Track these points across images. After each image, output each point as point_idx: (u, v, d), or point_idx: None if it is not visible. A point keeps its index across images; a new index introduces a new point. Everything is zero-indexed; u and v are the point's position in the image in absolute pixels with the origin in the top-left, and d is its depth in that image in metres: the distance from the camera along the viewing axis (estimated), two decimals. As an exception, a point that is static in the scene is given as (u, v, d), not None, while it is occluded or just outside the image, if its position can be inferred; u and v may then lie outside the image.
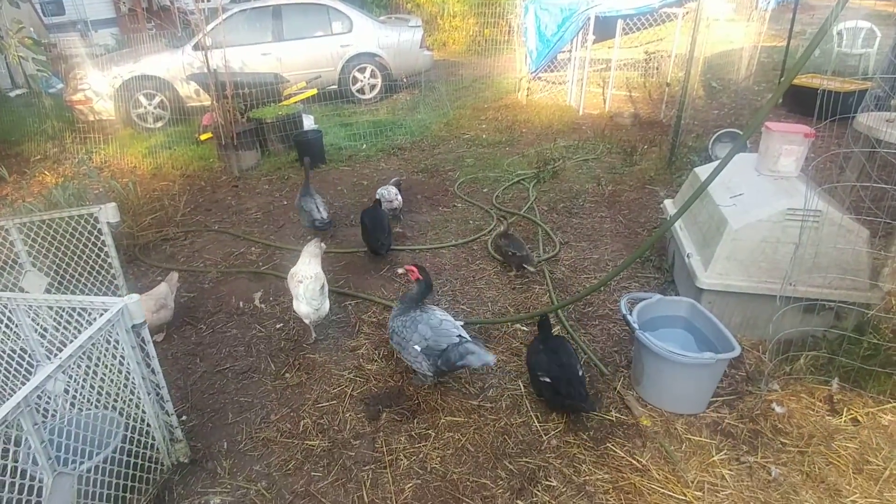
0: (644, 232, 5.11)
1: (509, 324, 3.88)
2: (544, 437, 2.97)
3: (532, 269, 4.47)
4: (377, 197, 5.34)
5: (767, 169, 3.74)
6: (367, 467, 2.85)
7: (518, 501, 2.63)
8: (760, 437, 2.92)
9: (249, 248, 5.24)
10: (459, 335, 3.11)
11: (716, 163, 3.28)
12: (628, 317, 3.13)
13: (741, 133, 6.19)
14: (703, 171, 4.12)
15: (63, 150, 8.27)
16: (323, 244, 4.06)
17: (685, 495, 2.61)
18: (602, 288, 4.17)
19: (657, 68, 10.19)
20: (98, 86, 9.08)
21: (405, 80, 11.16)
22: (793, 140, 3.62)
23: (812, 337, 3.36)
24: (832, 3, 2.55)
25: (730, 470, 2.73)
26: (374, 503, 2.67)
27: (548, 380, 3.05)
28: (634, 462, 2.80)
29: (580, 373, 3.01)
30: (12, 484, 1.95)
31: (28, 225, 3.65)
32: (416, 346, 3.14)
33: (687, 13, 8.25)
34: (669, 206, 4.50)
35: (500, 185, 6.34)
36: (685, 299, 3.42)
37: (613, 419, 3.06)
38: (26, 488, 2.02)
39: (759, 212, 3.40)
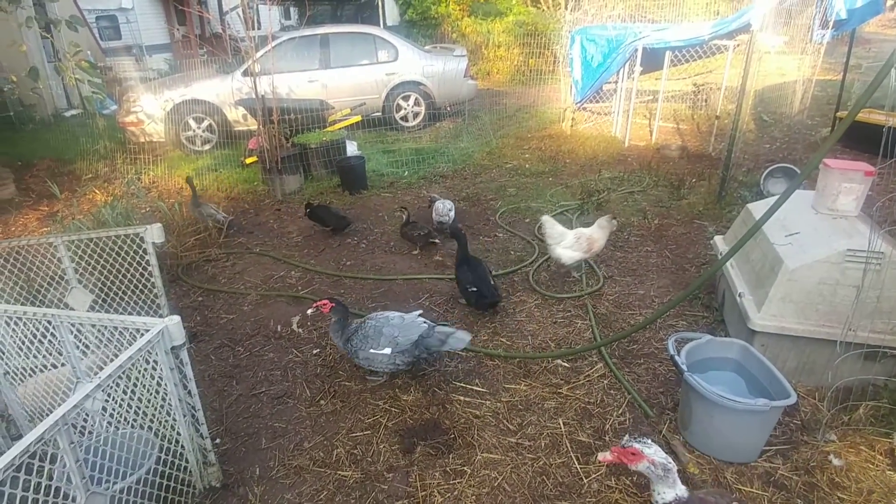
0: (692, 268, 4.95)
1: (549, 359, 3.77)
2: (584, 480, 2.84)
3: (437, 241, 5.38)
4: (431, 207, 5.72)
5: (825, 207, 3.59)
6: (399, 502, 2.77)
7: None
8: (816, 491, 2.73)
9: (289, 272, 5.28)
10: (426, 322, 3.50)
11: (770, 199, 3.16)
12: (676, 357, 3.00)
13: (794, 168, 6.00)
14: (756, 208, 3.98)
15: (113, 170, 8.58)
16: (614, 220, 4.67)
17: (736, 551, 2.45)
18: (648, 326, 4.03)
19: (706, 100, 10.03)
20: (150, 108, 9.44)
21: (449, 108, 11.28)
22: (853, 178, 3.47)
23: (873, 386, 3.16)
24: (888, 36, 2.44)
25: (784, 525, 2.57)
26: (406, 541, 2.59)
27: (475, 288, 4.23)
28: (680, 511, 2.65)
29: (492, 282, 4.24)
30: (45, 502, 1.94)
31: (76, 242, 3.75)
32: (386, 350, 3.40)
33: (738, 45, 8.11)
34: (720, 242, 4.35)
35: (543, 215, 6.24)
36: (737, 341, 3.27)
37: (658, 465, 2.92)
38: (62, 508, 2.01)
39: (817, 252, 3.25)
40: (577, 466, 2.92)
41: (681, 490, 2.09)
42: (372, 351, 3.40)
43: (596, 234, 4.62)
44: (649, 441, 2.12)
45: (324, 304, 3.52)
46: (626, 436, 2.15)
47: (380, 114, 10.53)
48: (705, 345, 3.21)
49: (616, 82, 9.46)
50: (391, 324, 3.47)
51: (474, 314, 4.36)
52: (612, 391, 3.46)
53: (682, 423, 3.10)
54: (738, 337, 3.45)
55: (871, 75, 2.56)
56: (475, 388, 3.53)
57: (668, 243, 5.45)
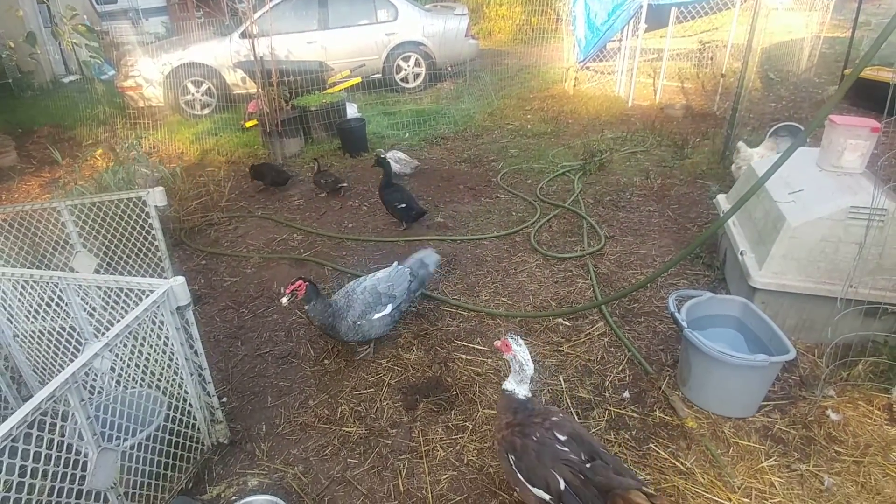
0: (694, 228, 4.94)
1: (550, 318, 3.80)
2: (584, 435, 2.90)
3: (344, 185, 6.05)
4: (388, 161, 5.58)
5: (830, 164, 3.55)
6: (403, 456, 2.84)
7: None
8: (813, 445, 2.78)
9: (291, 235, 5.29)
10: (402, 265, 3.66)
11: (774, 157, 3.13)
12: (676, 315, 3.03)
13: (800, 127, 5.92)
14: (760, 166, 3.95)
15: (114, 136, 8.51)
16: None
17: (731, 501, 2.51)
18: (649, 284, 4.05)
19: (711, 58, 9.85)
20: (148, 73, 9.31)
21: (450, 69, 11.10)
22: (858, 134, 3.42)
23: (873, 342, 3.19)
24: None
25: (779, 477, 2.62)
26: (409, 492, 2.65)
27: (403, 205, 5.08)
28: (678, 464, 2.70)
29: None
30: (59, 457, 2.00)
31: (79, 207, 3.75)
32: (388, 309, 3.41)
33: (745, 1, 7.93)
34: (723, 201, 4.33)
35: (545, 176, 6.23)
36: (737, 298, 3.28)
37: (657, 419, 2.97)
38: (72, 462, 2.07)
39: (820, 209, 3.23)
40: (578, 422, 2.97)
41: (520, 389, 2.41)
42: (377, 316, 3.37)
43: (761, 151, 5.18)
44: (521, 341, 2.43)
45: (298, 287, 3.21)
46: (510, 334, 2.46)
47: (380, 75, 10.37)
48: (706, 302, 3.23)
49: (620, 41, 9.30)
50: (381, 282, 3.47)
51: (475, 274, 4.39)
52: (612, 349, 3.50)
53: (681, 380, 3.14)
54: (739, 295, 3.46)
55: (880, 31, 2.50)
56: (476, 346, 3.58)
57: (670, 203, 5.44)
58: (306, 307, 3.28)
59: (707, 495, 2.54)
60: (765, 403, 3.00)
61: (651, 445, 2.81)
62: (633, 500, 2.02)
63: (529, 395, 2.41)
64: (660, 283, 4.11)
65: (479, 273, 4.41)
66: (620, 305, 3.90)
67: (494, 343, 2.50)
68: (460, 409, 3.11)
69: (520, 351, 2.39)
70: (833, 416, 2.92)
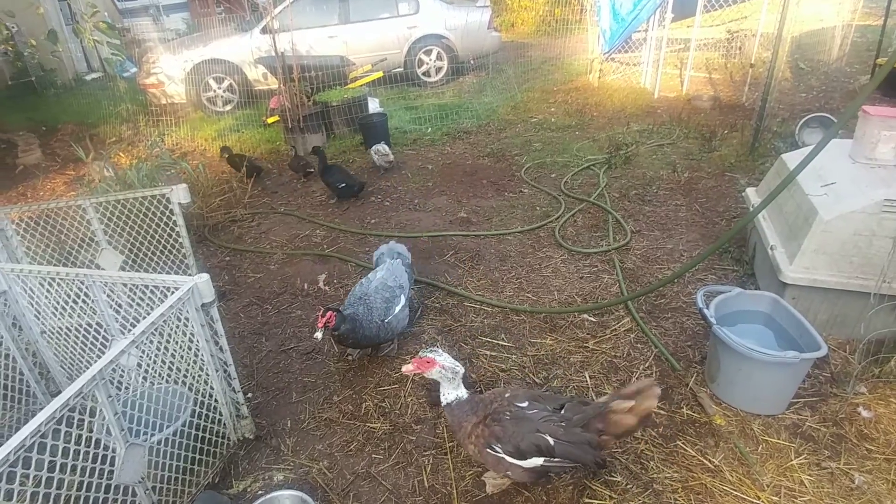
0: (722, 222, 4.84)
1: (576, 314, 3.76)
2: (610, 433, 2.86)
3: (312, 170, 6.32)
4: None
5: (863, 156, 3.45)
6: (427, 452, 2.83)
7: (582, 497, 2.54)
8: (844, 443, 2.72)
9: (314, 231, 5.32)
10: (389, 258, 3.73)
11: (805, 149, 3.04)
12: (705, 311, 2.97)
13: (831, 118, 5.77)
14: (791, 159, 3.84)
15: (137, 133, 8.65)
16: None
17: (760, 499, 2.46)
18: (676, 279, 3.98)
19: (740, 48, 9.63)
20: (170, 69, 9.42)
21: (472, 62, 11.05)
22: (893, 125, 3.31)
23: (907, 338, 3.09)
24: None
25: (809, 475, 2.56)
26: (434, 488, 2.65)
27: (343, 184, 5.68)
28: (706, 462, 2.66)
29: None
30: (87, 452, 2.03)
31: (104, 204, 3.80)
32: (403, 301, 3.43)
33: (775, -11, 7.71)
34: (752, 195, 4.23)
35: (569, 170, 6.16)
36: (767, 294, 3.20)
37: (685, 416, 2.92)
38: (100, 457, 2.10)
39: (853, 202, 3.13)
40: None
41: (462, 392, 2.36)
42: (398, 309, 3.38)
43: None
44: (438, 349, 2.35)
45: (329, 318, 3.13)
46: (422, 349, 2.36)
47: (401, 69, 10.37)
48: (735, 298, 3.16)
49: (646, 31, 9.14)
50: (388, 277, 3.49)
51: (499, 270, 4.36)
52: (638, 345, 3.45)
53: (710, 376, 3.09)
54: (769, 290, 3.38)
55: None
56: (501, 342, 3.55)
57: (697, 197, 5.33)
58: (336, 334, 3.19)
59: (735, 493, 2.50)
60: (795, 400, 2.93)
61: (678, 443, 2.77)
62: (619, 409, 2.23)
63: (465, 391, 2.38)
64: (687, 278, 4.04)
65: (503, 269, 4.38)
66: (647, 301, 3.84)
67: (405, 369, 2.36)
68: (484, 405, 3.09)
69: (443, 359, 2.31)
70: (864, 414, 2.85)
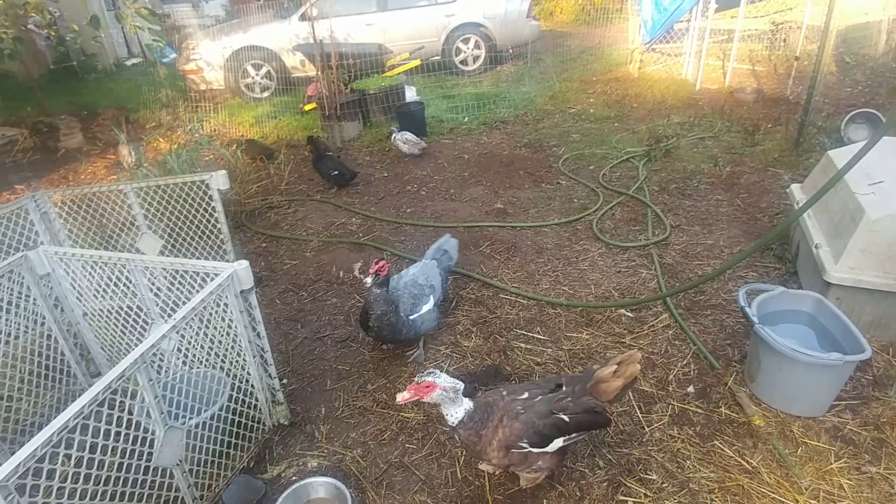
0: (765, 218, 4.69)
1: (613, 309, 3.70)
2: (646, 429, 2.82)
3: (275, 160, 6.61)
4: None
5: (915, 153, 3.30)
6: (459, 446, 2.82)
7: (616, 494, 2.51)
8: (885, 447, 2.63)
9: (350, 219, 5.34)
10: (427, 259, 3.63)
11: (852, 146, 2.92)
12: (747, 309, 2.89)
13: (878, 114, 5.56)
14: (838, 156, 3.70)
15: (176, 118, 8.79)
16: None
17: (798, 502, 2.40)
18: (717, 276, 3.88)
19: (784, 40, 9.31)
20: (209, 56, 9.53)
21: (510, 50, 10.92)
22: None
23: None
24: None
25: (849, 479, 2.49)
26: (467, 480, 2.64)
27: (336, 172, 5.85)
28: (744, 463, 2.60)
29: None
30: (127, 435, 2.07)
31: (145, 189, 3.87)
32: (431, 302, 3.35)
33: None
34: (796, 191, 4.09)
35: (608, 162, 6.06)
36: (811, 293, 3.10)
37: (722, 416, 2.86)
38: (140, 439, 2.14)
39: (904, 201, 3.01)
40: (640, 415, 2.89)
41: (467, 404, 2.25)
42: (425, 309, 3.30)
43: None
44: (435, 371, 2.21)
45: (382, 266, 3.14)
46: (419, 374, 2.21)
47: (439, 57, 10.31)
48: (777, 297, 3.07)
49: (689, 21, 8.91)
50: (419, 275, 3.41)
51: (535, 262, 4.32)
52: (676, 342, 3.38)
53: (749, 376, 3.01)
54: (812, 289, 3.27)
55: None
56: (536, 335, 3.52)
57: (739, 192, 5.18)
58: (377, 292, 3.14)
59: (773, 496, 2.44)
60: (836, 403, 2.85)
61: (716, 442, 2.71)
62: (605, 377, 2.32)
63: (468, 401, 2.28)
64: (728, 275, 3.93)
65: (540, 261, 4.33)
66: (686, 297, 3.76)
67: (401, 398, 2.20)
68: (517, 398, 3.07)
69: (442, 380, 2.18)
70: (908, 419, 2.74)
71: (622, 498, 2.49)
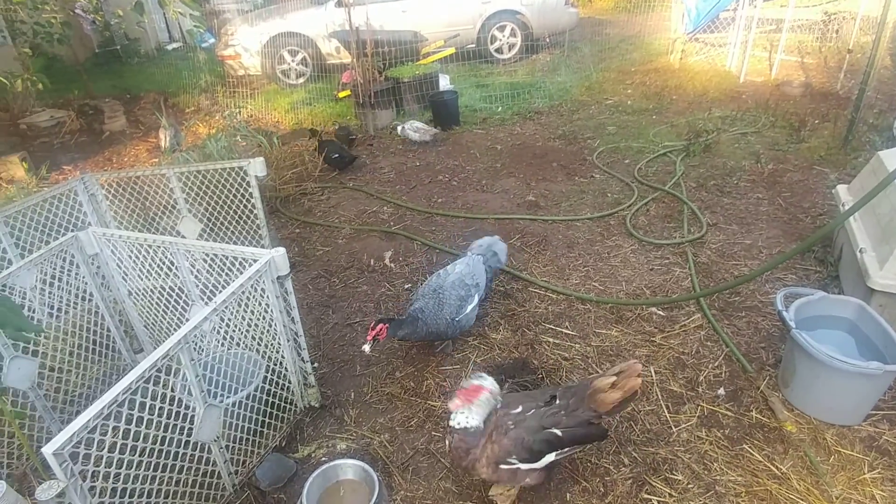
0: (807, 219, 4.58)
1: (644, 307, 3.68)
2: (674, 429, 2.81)
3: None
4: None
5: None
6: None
7: (640, 492, 2.52)
8: (921, 460, 2.57)
9: (382, 207, 5.39)
10: (474, 255, 3.53)
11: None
12: (784, 313, 2.84)
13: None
14: (889, 157, 3.58)
15: (214, 103, 8.95)
16: None
17: (827, 511, 2.37)
18: (754, 278, 3.81)
19: (837, 31, 8.98)
20: (247, 41, 9.64)
21: (547, 39, 10.78)
22: None
23: None
24: None
25: (882, 490, 2.44)
26: (491, 472, 2.68)
27: (337, 155, 6.12)
28: (773, 468, 2.57)
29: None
30: (169, 410, 2.17)
31: (185, 174, 3.98)
32: (476, 300, 3.31)
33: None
34: (843, 192, 3.98)
35: (644, 156, 5.97)
36: (853, 300, 3.03)
37: (753, 420, 2.83)
38: (181, 415, 2.24)
39: (958, 207, 2.91)
40: (667, 415, 2.89)
41: (481, 422, 2.22)
42: (469, 308, 3.28)
43: None
44: (482, 374, 2.22)
45: (379, 331, 3.01)
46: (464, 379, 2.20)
47: (474, 45, 10.23)
48: (817, 302, 3.00)
49: (735, 10, 8.66)
50: (465, 275, 3.34)
51: (566, 256, 4.31)
52: (708, 343, 3.34)
53: (783, 381, 2.97)
54: (854, 295, 3.19)
55: None
56: (565, 330, 3.52)
57: (781, 190, 5.06)
58: (396, 336, 3.14)
59: (802, 503, 2.41)
60: (873, 412, 2.79)
61: (745, 446, 2.69)
62: (602, 388, 2.24)
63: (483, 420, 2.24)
64: (765, 277, 3.86)
65: (571, 255, 4.32)
66: (720, 298, 3.71)
67: (453, 405, 2.22)
68: (545, 392, 3.09)
69: (489, 383, 2.19)
70: (947, 432, 2.68)
71: (646, 496, 2.50)
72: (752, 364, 3.15)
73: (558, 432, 2.21)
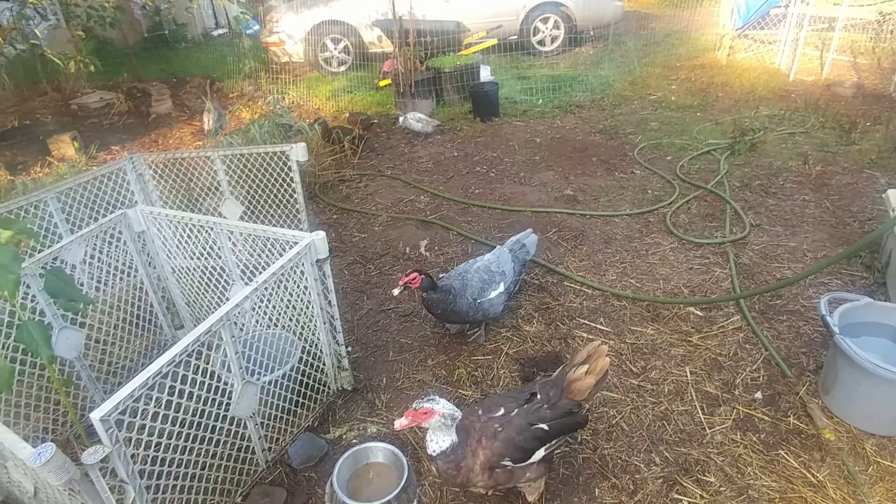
0: (855, 223, 4.43)
1: (681, 306, 3.62)
2: (708, 431, 2.77)
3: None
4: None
5: None
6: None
7: (671, 492, 2.49)
8: (965, 474, 2.48)
9: (418, 196, 5.41)
10: (502, 246, 3.60)
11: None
12: (828, 318, 2.76)
13: None
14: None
15: (258, 89, 9.08)
16: None
17: (864, 522, 2.31)
18: (797, 281, 3.71)
19: (892, 32, 8.64)
20: (291, 29, 9.73)
21: (591, 32, 10.62)
22: None
23: None
24: None
25: (922, 505, 2.36)
26: (519, 463, 2.68)
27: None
28: (809, 475, 2.51)
29: None
30: (209, 385, 2.23)
31: (229, 157, 4.06)
32: (501, 288, 3.33)
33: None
34: (893, 196, 3.83)
35: (687, 153, 5.85)
36: (901, 307, 2.94)
37: (790, 426, 2.76)
38: (219, 391, 2.30)
39: None
40: (701, 416, 2.84)
41: (453, 435, 2.15)
42: (493, 294, 3.30)
43: None
44: (435, 397, 2.12)
45: (413, 279, 3.10)
46: (416, 401, 2.09)
47: (516, 37, 10.14)
48: (862, 308, 2.92)
49: (786, 6, 8.40)
50: (491, 263, 3.41)
51: (603, 252, 4.26)
52: (747, 345, 3.27)
53: (824, 388, 2.89)
54: (903, 302, 3.10)
55: None
56: (599, 326, 3.49)
57: (829, 193, 4.91)
58: (424, 295, 3.20)
59: (837, 513, 2.36)
60: (918, 424, 2.69)
61: (781, 452, 2.63)
62: (578, 377, 2.29)
63: (455, 433, 2.17)
64: (809, 281, 3.76)
65: (608, 251, 4.27)
66: (761, 300, 3.62)
67: (398, 424, 2.12)
68: (577, 387, 3.07)
69: (441, 406, 2.09)
70: None
71: (676, 496, 2.47)
72: (791, 369, 3.08)
73: (545, 426, 2.22)
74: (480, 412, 2.29)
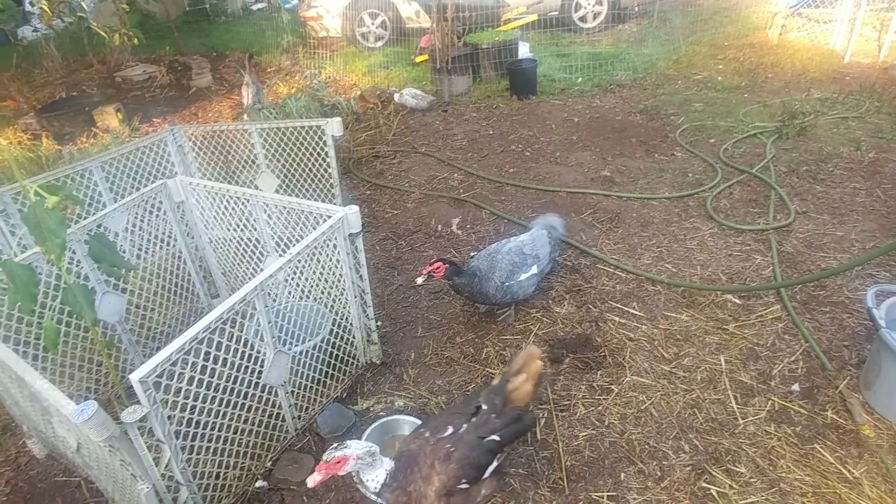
0: (908, 213, 4.25)
1: (719, 293, 3.53)
2: (740, 421, 2.71)
3: None
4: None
5: None
6: (543, 406, 2.86)
7: (699, 481, 2.46)
8: None
9: (452, 174, 5.38)
10: (538, 228, 3.55)
11: None
12: (874, 311, 2.66)
13: None
14: None
15: (295, 63, 9.11)
16: None
17: (900, 521, 2.25)
18: (844, 272, 3.58)
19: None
20: (329, 3, 9.71)
21: (636, 8, 10.31)
22: None
23: None
24: None
25: (961, 506, 2.28)
26: (545, 443, 2.68)
27: None
28: (845, 471, 2.45)
29: None
30: (242, 352, 2.28)
31: (266, 130, 4.09)
32: (534, 269, 3.30)
33: None
34: (952, 185, 3.67)
35: (732, 136, 5.66)
36: (952, 302, 2.81)
37: (827, 420, 2.69)
38: (252, 358, 2.35)
39: None
40: (734, 406, 2.79)
41: (387, 464, 2.03)
42: (523, 277, 3.27)
43: None
44: (342, 443, 1.95)
45: (437, 268, 3.09)
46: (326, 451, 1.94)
47: (557, 13, 9.89)
48: (912, 302, 2.80)
49: (846, -17, 7.99)
50: (526, 244, 3.36)
51: (639, 235, 4.18)
52: (786, 336, 3.18)
53: (865, 383, 2.80)
54: (956, 297, 2.96)
55: None
56: (632, 310, 3.44)
57: (882, 181, 4.69)
58: (450, 283, 3.21)
59: (873, 510, 2.29)
60: (962, 422, 2.60)
61: (816, 446, 2.57)
62: (517, 386, 2.28)
63: (388, 460, 2.04)
64: (855, 272, 3.62)
65: (644, 235, 4.18)
66: (803, 290, 3.51)
67: (311, 481, 1.92)
68: (607, 370, 3.04)
69: (352, 450, 1.93)
70: None
71: (704, 485, 2.44)
72: (832, 362, 2.99)
73: (497, 437, 2.16)
74: (428, 434, 2.16)
